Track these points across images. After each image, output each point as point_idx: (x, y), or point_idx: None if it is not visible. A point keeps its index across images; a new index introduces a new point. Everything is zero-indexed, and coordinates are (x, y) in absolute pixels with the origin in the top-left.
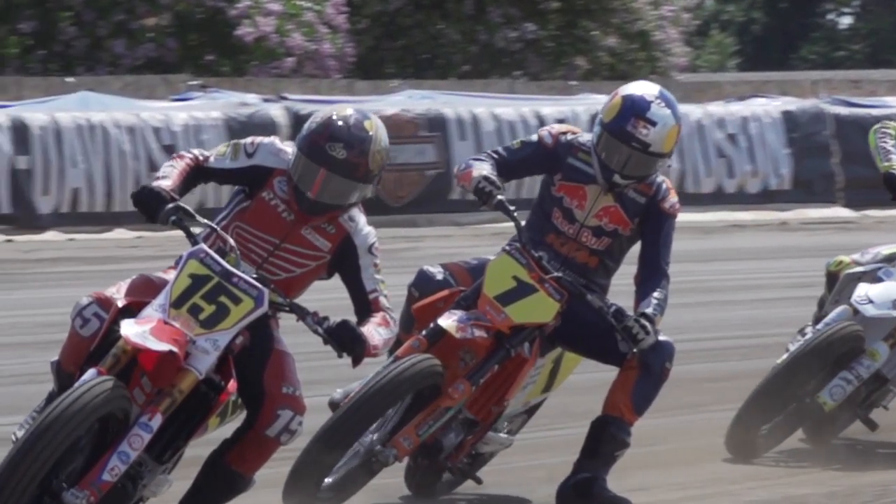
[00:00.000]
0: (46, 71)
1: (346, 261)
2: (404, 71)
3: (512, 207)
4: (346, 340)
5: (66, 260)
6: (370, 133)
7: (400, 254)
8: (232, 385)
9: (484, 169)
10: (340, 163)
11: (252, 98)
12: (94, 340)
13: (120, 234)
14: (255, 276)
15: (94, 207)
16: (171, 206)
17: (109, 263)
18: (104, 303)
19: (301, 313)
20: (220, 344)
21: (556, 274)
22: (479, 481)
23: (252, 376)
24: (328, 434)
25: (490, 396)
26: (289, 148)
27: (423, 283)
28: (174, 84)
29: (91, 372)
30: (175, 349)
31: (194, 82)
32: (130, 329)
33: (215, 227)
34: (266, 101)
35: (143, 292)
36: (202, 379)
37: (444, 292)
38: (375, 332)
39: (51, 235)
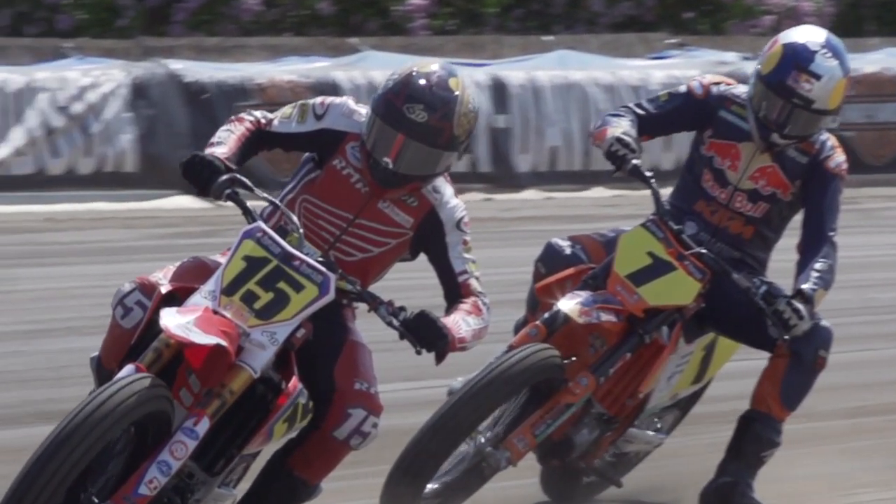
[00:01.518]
0: (525, 29)
1: (431, 238)
2: (884, 28)
3: (649, 174)
4: (426, 334)
5: (544, 219)
6: (455, 93)
7: (877, 213)
8: (293, 384)
9: (620, 127)
10: (421, 127)
11: (730, 56)
12: (136, 332)
13: (598, 192)
14: (320, 259)
15: (572, 166)
16: (225, 177)
17: (586, 222)
18: (148, 289)
19: (373, 302)
20: (278, 337)
21: (697, 250)
22: (618, 485)
23: (322, 371)
24: (429, 435)
25: (624, 388)
26: (363, 109)
27: (550, 259)
28: (652, 42)
29: (128, 368)
30: (224, 343)
31: (672, 41)
32: (172, 319)
33: (276, 201)
34: (745, 59)
35: (193, 277)
36: (258, 378)
37: (570, 270)
38: (463, 322)
39: (529, 194)
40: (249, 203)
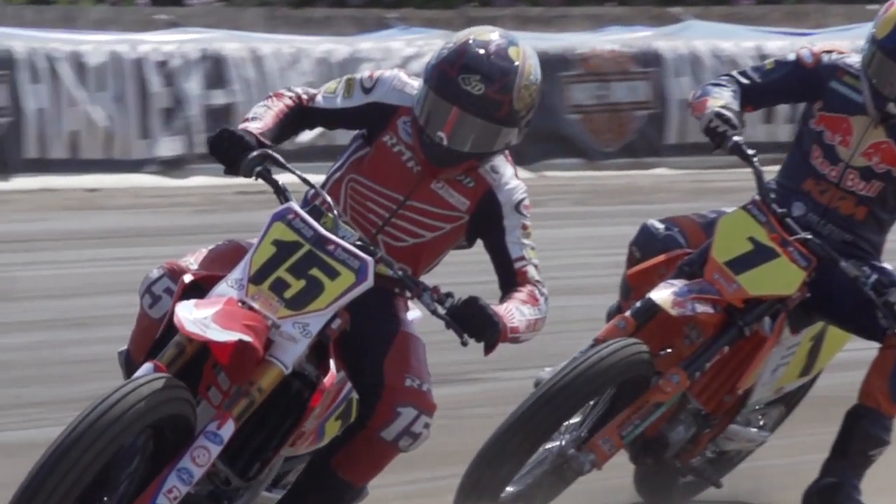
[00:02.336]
0: None
1: (487, 222)
2: None
3: (751, 151)
4: (475, 323)
5: None
6: (516, 63)
7: None
8: (329, 380)
9: (721, 99)
10: (477, 100)
11: None
12: (163, 324)
13: None
14: (358, 242)
15: None
16: (255, 153)
17: None
18: (178, 275)
19: (416, 289)
20: (311, 329)
21: (802, 235)
22: (717, 485)
23: (370, 364)
24: (509, 434)
25: (722, 384)
26: (416, 82)
27: (645, 242)
28: None
29: (145, 367)
30: (247, 337)
31: None
32: (187, 313)
33: (307, 179)
34: None
35: (226, 262)
36: (291, 373)
37: (665, 255)
38: (517, 311)
39: None
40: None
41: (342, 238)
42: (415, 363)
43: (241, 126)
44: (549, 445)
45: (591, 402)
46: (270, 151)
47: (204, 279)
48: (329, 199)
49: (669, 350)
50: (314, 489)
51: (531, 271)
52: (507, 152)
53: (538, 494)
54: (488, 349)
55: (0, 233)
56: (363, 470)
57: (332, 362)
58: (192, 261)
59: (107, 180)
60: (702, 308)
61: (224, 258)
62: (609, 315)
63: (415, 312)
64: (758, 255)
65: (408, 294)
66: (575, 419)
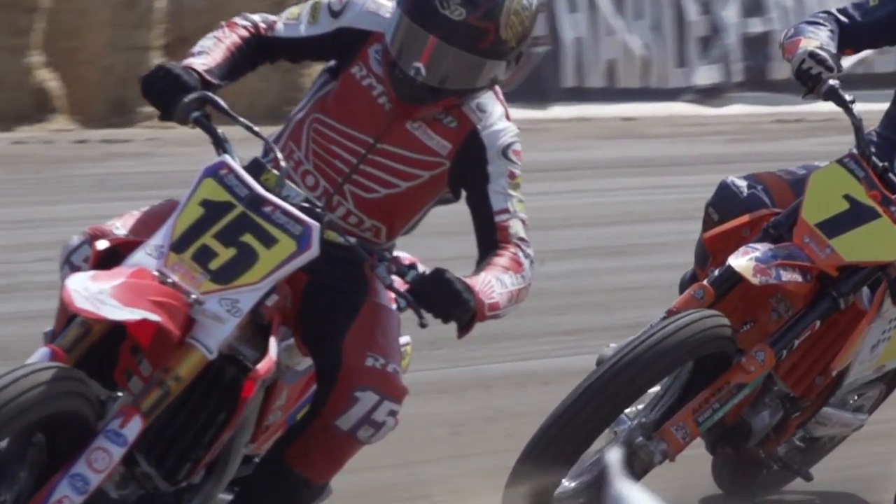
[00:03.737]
0: None
1: (470, 168)
2: None
3: (849, 97)
4: (442, 301)
5: None
6: None
7: None
8: (264, 366)
9: (816, 40)
10: (458, 27)
11: None
12: None
13: None
14: (304, 203)
15: None
16: (193, 96)
17: None
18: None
19: (370, 258)
20: (240, 307)
21: None
22: (807, 477)
23: (330, 343)
24: (567, 416)
25: (813, 363)
26: (390, 3)
27: (723, 202)
28: None
29: (40, 352)
30: (154, 316)
31: None
32: (79, 286)
33: (253, 128)
34: None
35: (158, 227)
36: (226, 358)
37: (748, 216)
38: (496, 282)
39: None
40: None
41: (286, 199)
42: (381, 340)
43: (184, 62)
44: (608, 436)
45: (661, 385)
46: (210, 94)
47: (124, 245)
48: (279, 152)
49: (752, 326)
50: (267, 487)
51: (514, 227)
52: (497, 89)
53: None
54: (462, 331)
55: (538, 161)
56: (320, 465)
57: (272, 345)
58: (118, 224)
59: (643, 109)
60: (789, 276)
61: (158, 221)
62: (683, 285)
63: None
64: (855, 216)
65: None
66: (640, 405)
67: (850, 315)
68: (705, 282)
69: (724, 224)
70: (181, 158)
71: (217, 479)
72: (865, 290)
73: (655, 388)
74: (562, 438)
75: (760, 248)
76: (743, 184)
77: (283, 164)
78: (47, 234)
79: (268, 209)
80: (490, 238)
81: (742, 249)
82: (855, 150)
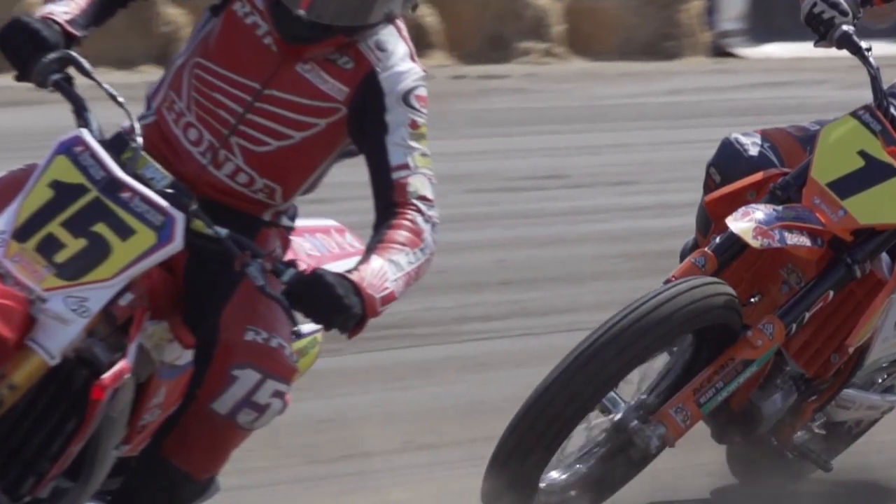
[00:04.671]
0: None
1: (367, 116)
2: None
3: (865, 44)
4: (320, 307)
5: None
6: None
7: None
8: (116, 371)
9: None
10: None
11: None
12: None
13: None
14: (169, 187)
15: None
16: (53, 56)
17: None
18: None
19: (242, 255)
20: (89, 306)
21: None
22: (826, 468)
23: (206, 318)
24: (549, 396)
25: (828, 340)
26: None
27: (727, 162)
28: None
29: None
30: None
31: None
32: None
33: (115, 94)
34: None
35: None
36: (78, 360)
37: (757, 176)
38: (391, 266)
39: None
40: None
41: (149, 182)
42: (263, 311)
43: (44, 11)
44: (600, 419)
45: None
46: (71, 53)
47: None
48: (137, 124)
49: (760, 297)
50: (145, 484)
51: (414, 184)
52: (400, 25)
53: (596, 484)
54: (350, 334)
55: None
56: (199, 457)
57: (131, 347)
58: None
59: None
60: (795, 239)
61: (13, 191)
62: (683, 254)
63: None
64: (871, 174)
65: (289, 225)
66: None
67: (867, 285)
68: (707, 248)
69: (726, 186)
70: (558, 94)
71: (82, 486)
72: (885, 256)
73: (657, 367)
74: (544, 420)
75: (763, 209)
76: (748, 141)
77: (139, 138)
78: None
79: (126, 195)
80: (387, 198)
81: (742, 210)
82: (871, 103)
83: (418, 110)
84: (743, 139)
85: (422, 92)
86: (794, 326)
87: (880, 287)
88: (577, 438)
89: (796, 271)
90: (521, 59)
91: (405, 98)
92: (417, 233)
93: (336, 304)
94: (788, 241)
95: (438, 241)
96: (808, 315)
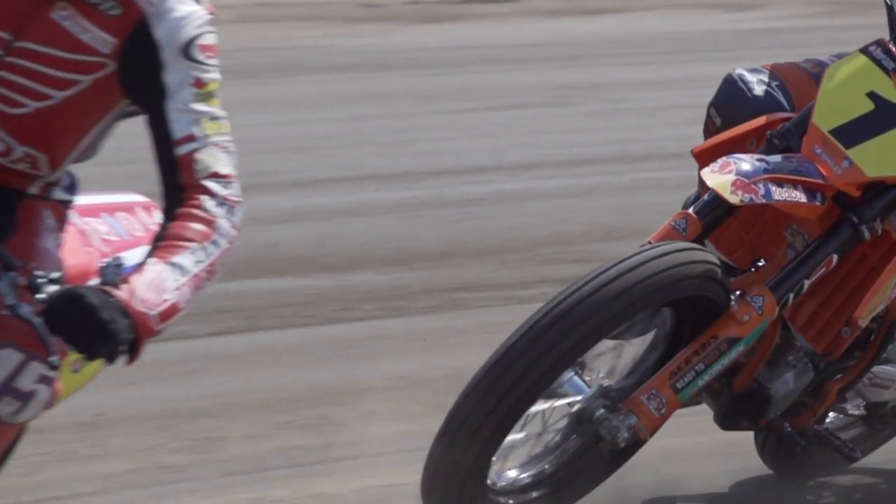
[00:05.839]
0: None
1: (142, 77)
2: None
3: None
4: (76, 332)
5: None
6: None
7: None
8: None
9: None
10: None
11: None
12: None
13: None
14: None
15: None
16: None
17: None
18: None
19: None
20: None
21: None
22: (852, 457)
23: None
24: (489, 378)
25: (838, 311)
26: None
27: (729, 101)
28: None
29: None
30: None
31: None
32: None
33: None
34: None
35: None
36: None
37: (759, 121)
38: (171, 273)
39: None
40: None
41: None
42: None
43: None
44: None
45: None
46: None
47: None
48: None
49: (765, 265)
50: None
51: (203, 160)
52: None
53: (563, 483)
54: (128, 360)
55: None
56: None
57: None
58: None
59: None
60: (785, 194)
61: None
62: (685, 208)
63: None
64: (881, 118)
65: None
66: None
67: (882, 248)
68: (691, 209)
69: (724, 131)
70: None
71: None
72: None
73: (630, 348)
74: (487, 403)
75: (749, 160)
76: (754, 78)
77: None
78: None
79: None
80: (172, 180)
81: (723, 161)
82: (886, 38)
83: (204, 63)
84: (748, 76)
85: (208, 40)
86: (792, 297)
87: (895, 249)
88: (536, 430)
89: (802, 233)
90: None
91: (186, 50)
92: (209, 222)
93: (100, 331)
94: (775, 197)
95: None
96: (807, 283)
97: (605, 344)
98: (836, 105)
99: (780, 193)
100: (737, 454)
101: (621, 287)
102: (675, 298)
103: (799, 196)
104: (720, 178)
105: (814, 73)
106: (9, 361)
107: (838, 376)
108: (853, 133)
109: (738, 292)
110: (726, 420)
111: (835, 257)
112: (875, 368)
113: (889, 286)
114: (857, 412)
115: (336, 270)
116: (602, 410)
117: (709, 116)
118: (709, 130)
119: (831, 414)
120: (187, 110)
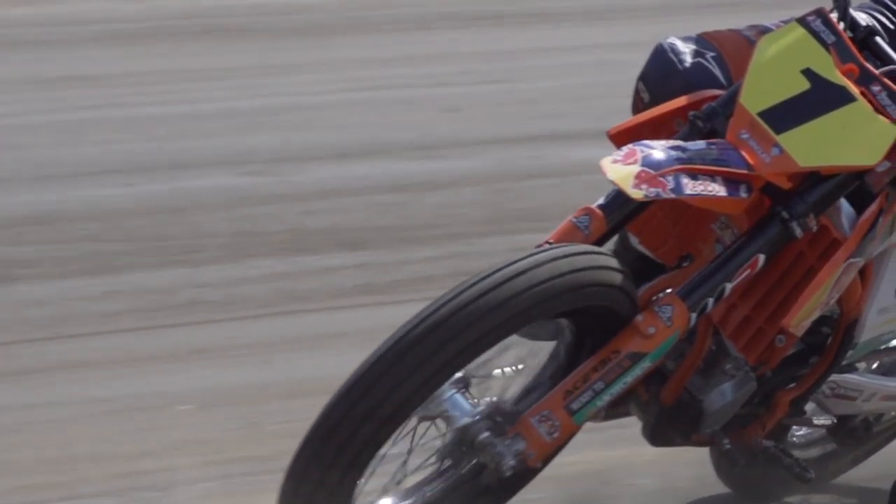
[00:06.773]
0: None
1: None
2: None
3: None
4: None
5: None
6: None
7: None
8: None
9: None
10: None
11: None
12: None
13: None
14: None
15: None
16: None
17: None
18: None
19: None
20: None
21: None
22: (803, 478)
23: None
24: (349, 398)
25: (771, 318)
26: None
27: (658, 74)
28: None
29: None
30: None
31: None
32: None
33: None
34: None
35: None
36: None
37: (682, 99)
38: None
39: None
40: None
41: None
42: None
43: None
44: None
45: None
46: None
47: None
48: None
49: (691, 262)
50: None
51: None
52: None
53: None
54: None
55: None
56: None
57: None
58: None
59: None
60: (700, 188)
61: None
62: None
63: None
64: (817, 100)
65: None
66: (487, 384)
67: (821, 246)
68: (594, 204)
69: (650, 109)
70: None
71: None
72: (847, 208)
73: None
74: (349, 424)
75: (661, 146)
76: (686, 48)
77: None
78: None
79: None
80: None
81: (627, 149)
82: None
83: None
84: (680, 45)
85: None
86: (712, 302)
87: (836, 247)
88: (416, 455)
89: (731, 226)
90: None
91: None
92: None
93: None
94: (687, 191)
95: None
96: (729, 287)
97: (509, 352)
98: (767, 83)
99: (693, 187)
100: None
101: (504, 295)
102: (571, 309)
103: (717, 189)
104: (622, 169)
105: (756, 41)
106: None
107: (791, 385)
108: (785, 116)
109: (653, 298)
110: (655, 435)
111: (761, 257)
112: (835, 377)
113: (825, 289)
114: (825, 422)
115: None
116: (487, 433)
117: (637, 91)
118: (636, 108)
119: (804, 429)
120: None
